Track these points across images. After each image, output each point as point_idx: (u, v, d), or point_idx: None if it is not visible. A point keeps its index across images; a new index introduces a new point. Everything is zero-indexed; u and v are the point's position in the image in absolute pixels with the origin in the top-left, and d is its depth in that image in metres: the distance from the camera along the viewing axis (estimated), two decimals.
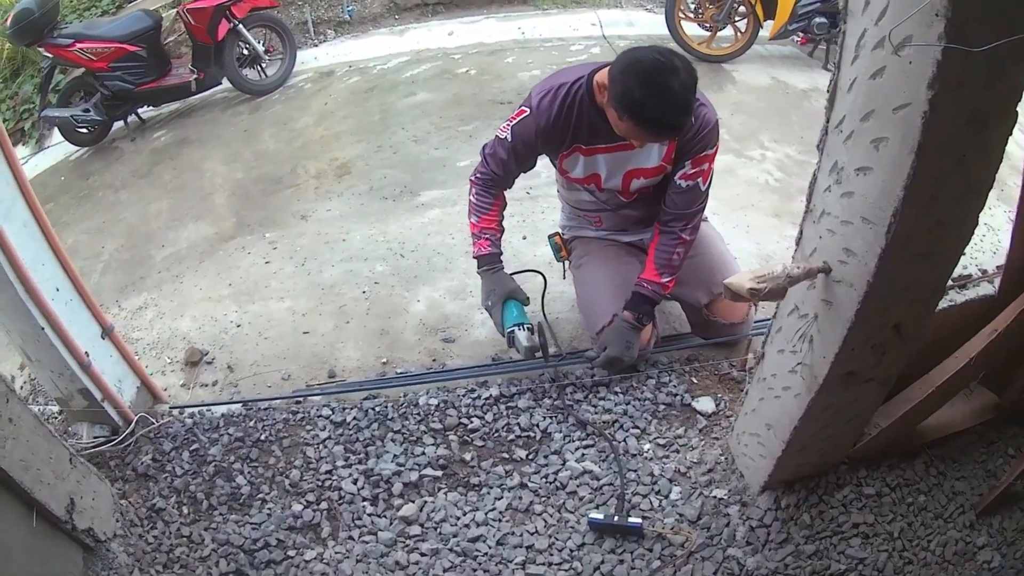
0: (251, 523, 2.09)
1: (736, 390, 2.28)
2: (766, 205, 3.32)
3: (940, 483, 1.85)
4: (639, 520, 1.90)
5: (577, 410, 2.25)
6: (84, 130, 4.53)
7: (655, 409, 2.24)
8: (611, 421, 2.20)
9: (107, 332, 2.30)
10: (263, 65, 4.91)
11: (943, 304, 1.62)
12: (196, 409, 2.44)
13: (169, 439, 2.34)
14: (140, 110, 4.84)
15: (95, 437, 2.30)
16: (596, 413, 2.23)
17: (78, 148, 4.61)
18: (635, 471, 2.06)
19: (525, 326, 2.23)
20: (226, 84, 4.87)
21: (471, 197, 2.28)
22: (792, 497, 1.86)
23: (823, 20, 4.35)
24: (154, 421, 2.37)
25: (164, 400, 2.52)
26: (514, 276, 2.34)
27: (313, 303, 2.91)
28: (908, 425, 1.77)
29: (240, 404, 2.42)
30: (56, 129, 4.67)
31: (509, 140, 2.14)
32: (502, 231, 2.33)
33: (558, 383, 2.33)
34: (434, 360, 2.60)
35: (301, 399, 2.42)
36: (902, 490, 1.84)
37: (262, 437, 2.30)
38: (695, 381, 2.33)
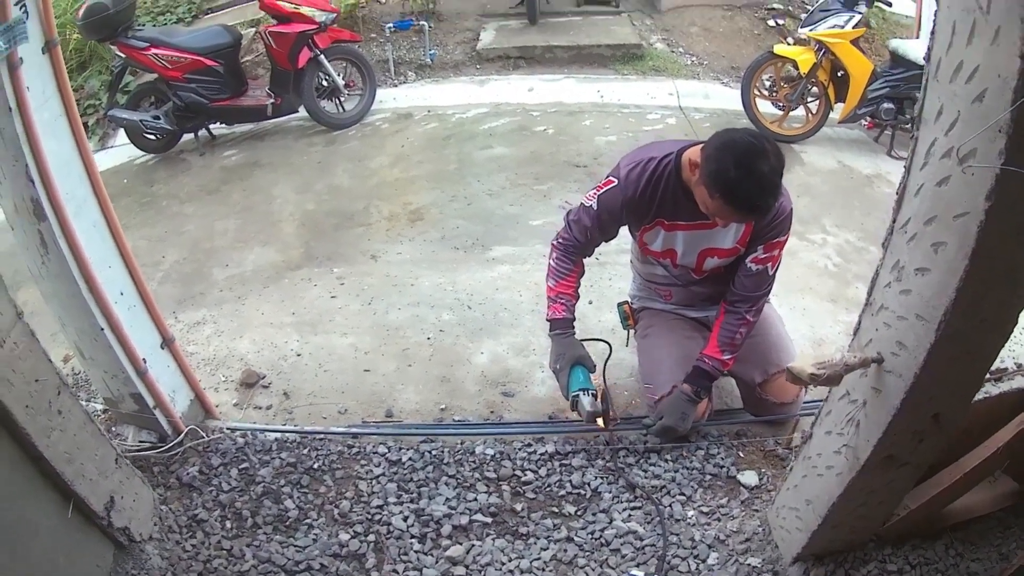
0: (295, 545, 2.41)
1: (779, 466, 2.58)
2: (823, 289, 3.68)
3: (957, 564, 2.11)
4: None
5: (628, 473, 2.57)
6: (152, 136, 5.08)
7: (702, 478, 2.55)
8: (659, 487, 2.51)
9: (167, 342, 2.66)
10: (342, 99, 5.48)
11: (979, 395, 1.88)
12: (249, 430, 2.82)
13: (218, 455, 2.71)
14: (212, 126, 5.36)
15: (140, 441, 2.64)
16: (646, 478, 2.55)
17: (144, 153, 5.16)
18: (677, 535, 2.34)
19: (590, 392, 2.55)
20: (302, 113, 5.43)
21: (551, 261, 2.62)
22: (821, 570, 2.12)
23: (890, 106, 4.93)
24: (204, 435, 2.74)
25: (216, 416, 2.90)
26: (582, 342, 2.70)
27: (377, 343, 3.33)
28: (935, 508, 2.04)
29: (295, 432, 2.81)
30: (122, 131, 5.22)
31: (595, 208, 2.45)
32: (577, 298, 2.65)
33: (612, 446, 2.66)
34: (492, 412, 2.97)
35: (357, 435, 2.83)
36: (922, 568, 2.10)
37: (315, 466, 2.66)
38: (741, 455, 2.65)
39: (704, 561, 2.28)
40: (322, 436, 2.81)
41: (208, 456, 2.72)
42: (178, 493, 2.58)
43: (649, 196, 2.38)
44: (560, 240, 2.62)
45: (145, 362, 2.46)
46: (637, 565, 2.29)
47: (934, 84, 1.36)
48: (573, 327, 2.66)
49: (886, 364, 1.60)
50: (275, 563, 2.37)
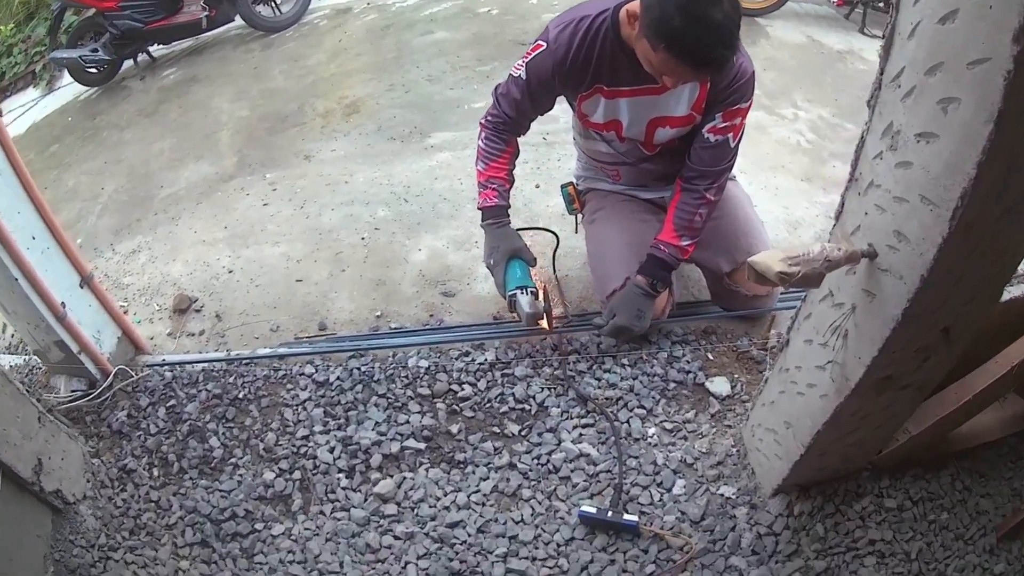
0: (220, 490, 1.78)
1: (755, 371, 1.86)
2: (796, 167, 2.83)
3: (964, 499, 1.46)
4: (635, 518, 1.54)
5: (579, 382, 1.86)
6: (93, 70, 4.18)
7: (664, 387, 1.83)
8: (615, 398, 1.81)
9: (86, 281, 1.99)
10: (277, 1, 4.44)
11: None
12: (177, 363, 2.12)
13: (147, 394, 2.03)
14: (151, 48, 4.45)
15: (72, 391, 2.00)
16: (599, 388, 1.84)
17: (87, 88, 4.27)
18: (636, 458, 1.68)
19: (529, 290, 1.82)
20: (239, 21, 4.43)
21: (480, 142, 1.88)
22: (807, 504, 1.48)
23: None
24: (133, 374, 2.06)
25: (147, 351, 2.20)
26: (522, 233, 1.94)
27: (309, 249, 2.54)
28: (939, 433, 1.38)
29: (218, 360, 2.10)
30: (66, 70, 4.32)
31: (523, 78, 1.73)
32: (512, 182, 1.91)
33: (560, 351, 1.94)
34: (431, 315, 2.22)
35: (283, 356, 2.09)
36: (924, 505, 1.45)
37: (240, 395, 1.98)
38: (711, 358, 1.91)
39: (669, 490, 1.61)
40: (247, 362, 2.09)
41: (137, 397, 2.03)
42: (109, 442, 1.94)
43: (584, 58, 1.66)
44: (488, 118, 1.86)
45: (64, 306, 1.88)
46: (591, 496, 1.63)
47: None
48: (508, 215, 1.90)
49: (881, 260, 1.00)
50: (200, 512, 1.75)
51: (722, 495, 1.57)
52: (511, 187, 1.91)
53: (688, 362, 1.88)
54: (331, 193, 2.79)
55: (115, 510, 1.77)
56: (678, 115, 1.70)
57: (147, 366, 2.12)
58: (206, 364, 2.10)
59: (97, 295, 2.05)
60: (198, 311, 2.39)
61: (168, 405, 1.99)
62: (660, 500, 1.60)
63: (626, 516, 1.54)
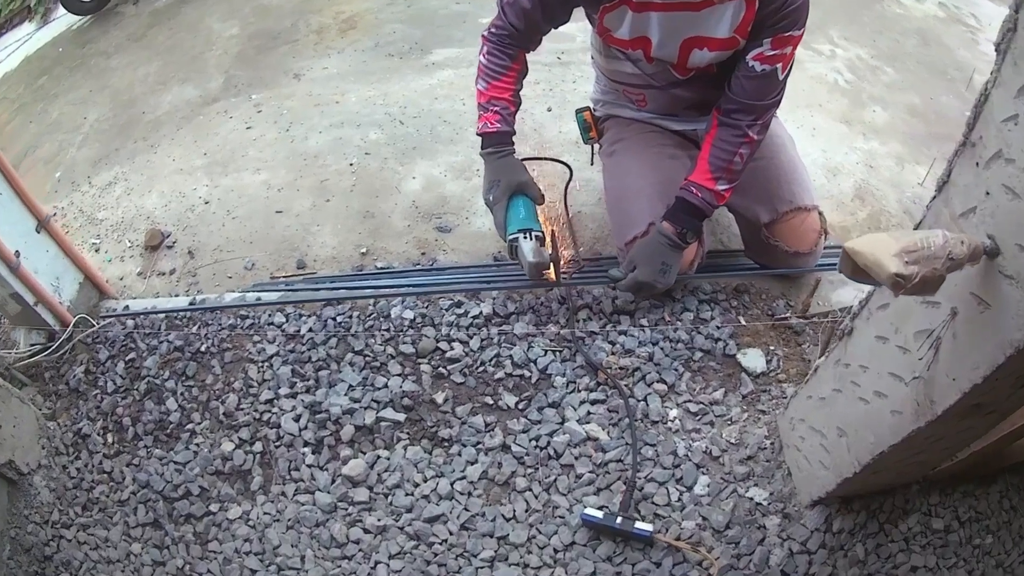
0: (175, 462, 1.46)
1: (793, 343, 1.39)
2: (835, 107, 2.34)
3: (1010, 521, 1.09)
4: (649, 527, 1.15)
5: (589, 346, 1.41)
6: None
7: (689, 357, 1.38)
8: (631, 369, 1.36)
9: (43, 224, 1.64)
10: None
11: None
12: (138, 311, 1.75)
13: (107, 346, 1.68)
14: None
15: (32, 345, 1.66)
16: (613, 354, 1.38)
17: (81, 18, 3.73)
18: (654, 446, 1.26)
19: (534, 234, 1.37)
20: None
21: (481, 57, 1.44)
22: (848, 520, 1.09)
23: None
24: (95, 324, 1.70)
25: (112, 295, 1.84)
26: (529, 164, 1.49)
27: (292, 176, 2.07)
28: (999, 448, 1.04)
29: (180, 311, 1.71)
30: (59, 2, 3.76)
31: None
32: (518, 104, 1.47)
33: (569, 305, 1.47)
34: (423, 253, 1.78)
35: (252, 306, 1.68)
36: (971, 527, 1.09)
37: (203, 348, 1.61)
38: (743, 323, 1.43)
39: (690, 489, 1.21)
40: (212, 310, 1.69)
41: (96, 350, 1.68)
42: (66, 402, 1.62)
43: None
44: (492, 30, 1.43)
45: (18, 255, 1.56)
46: (596, 491, 1.21)
47: None
48: (512, 143, 1.47)
49: (1005, 262, 0.65)
50: (153, 487, 1.44)
51: (751, 499, 1.17)
52: (517, 110, 1.46)
53: (717, 327, 1.41)
54: (320, 114, 2.28)
55: (68, 481, 1.49)
56: (719, 37, 1.28)
57: (107, 315, 1.76)
58: (167, 313, 1.72)
59: (56, 238, 1.69)
60: (170, 247, 1.99)
61: (127, 359, 1.64)
62: (679, 501, 1.20)
63: (638, 524, 1.13)
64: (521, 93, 1.47)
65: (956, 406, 0.76)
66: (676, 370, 1.36)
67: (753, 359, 1.35)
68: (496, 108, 1.42)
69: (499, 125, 1.42)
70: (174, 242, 2.00)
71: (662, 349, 1.38)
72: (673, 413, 1.30)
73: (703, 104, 1.44)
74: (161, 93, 2.68)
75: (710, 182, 1.33)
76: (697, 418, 1.29)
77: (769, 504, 1.15)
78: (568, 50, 2.36)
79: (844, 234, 1.90)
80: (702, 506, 1.18)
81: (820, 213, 1.48)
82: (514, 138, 1.46)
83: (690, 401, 1.32)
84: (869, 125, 2.30)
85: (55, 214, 1.86)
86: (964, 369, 0.73)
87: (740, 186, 1.39)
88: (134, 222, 2.10)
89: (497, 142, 1.43)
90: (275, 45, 2.77)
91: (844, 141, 2.19)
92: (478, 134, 1.45)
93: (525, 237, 1.37)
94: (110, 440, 1.54)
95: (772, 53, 1.27)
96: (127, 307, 1.78)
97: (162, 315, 1.71)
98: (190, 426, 1.51)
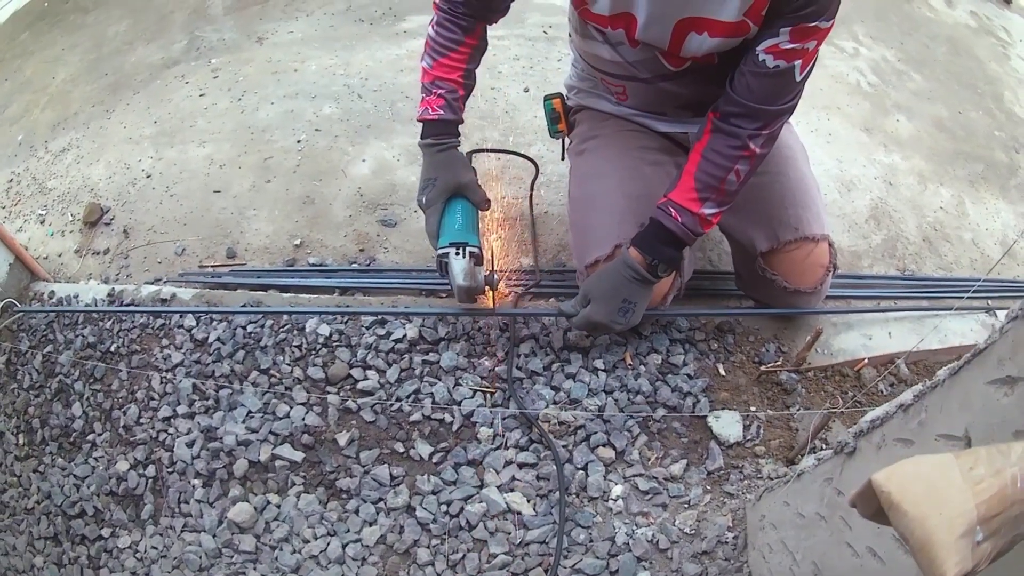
0: (75, 475, 1.33)
1: (779, 404, 1.10)
2: (855, 112, 2.07)
3: None
4: None
5: (527, 390, 1.15)
6: None
7: (648, 415, 1.09)
8: (573, 426, 1.10)
9: None
10: None
11: None
12: (64, 294, 1.59)
13: (29, 334, 1.54)
14: None
15: None
16: (555, 403, 1.12)
17: None
18: (588, 528, 1.00)
19: (468, 249, 1.09)
20: None
21: (430, 29, 1.15)
22: None
23: None
24: (21, 308, 1.55)
25: (44, 277, 1.69)
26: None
27: (236, 151, 1.83)
28: None
29: (88, 311, 1.53)
30: None
31: None
32: (469, 88, 1.16)
33: (510, 335, 1.21)
34: (362, 250, 1.54)
35: (166, 298, 1.48)
36: None
37: (113, 347, 1.44)
38: (721, 372, 1.13)
39: None
40: (129, 301, 1.51)
41: (20, 338, 1.55)
42: None
43: None
44: None
45: None
46: None
47: None
48: (457, 133, 1.16)
49: None
50: (54, 501, 1.32)
51: None
52: (467, 94, 1.17)
53: (689, 376, 1.11)
54: (275, 83, 2.01)
55: None
56: (723, 20, 0.97)
57: (33, 300, 1.62)
58: (91, 297, 1.56)
59: None
60: (107, 224, 1.82)
61: (45, 352, 1.50)
62: None
63: None
64: (478, 72, 1.15)
65: None
66: (629, 432, 1.09)
67: (727, 424, 1.07)
68: (441, 91, 1.12)
69: (442, 111, 1.12)
70: (112, 219, 1.82)
71: (616, 401, 1.11)
72: (617, 490, 1.04)
73: (699, 104, 1.11)
74: (126, 53, 2.45)
75: (694, 203, 1.00)
76: (647, 498, 1.04)
77: None
78: (558, 24, 2.01)
79: (854, 261, 1.57)
80: None
81: (831, 244, 1.15)
82: (460, 127, 1.16)
83: (640, 475, 1.06)
84: (892, 136, 1.97)
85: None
86: None
87: (735, 203, 1.06)
88: (79, 194, 1.94)
89: (439, 131, 1.13)
90: (245, 5, 2.48)
91: (863, 152, 1.88)
92: (417, 120, 1.15)
93: (457, 253, 1.09)
94: (21, 442, 1.43)
95: (790, 47, 0.95)
96: (52, 292, 1.62)
97: (84, 302, 1.55)
98: (91, 436, 1.37)
